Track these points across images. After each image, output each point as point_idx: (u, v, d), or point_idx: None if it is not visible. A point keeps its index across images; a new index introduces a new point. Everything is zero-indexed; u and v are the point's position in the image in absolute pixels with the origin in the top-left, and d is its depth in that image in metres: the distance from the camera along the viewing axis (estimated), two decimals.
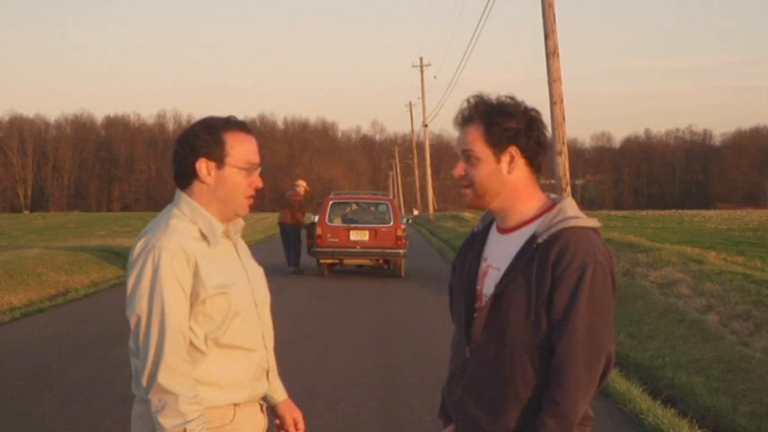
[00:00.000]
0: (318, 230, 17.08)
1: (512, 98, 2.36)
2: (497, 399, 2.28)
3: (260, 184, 2.52)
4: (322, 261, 17.55)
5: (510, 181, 2.34)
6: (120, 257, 19.07)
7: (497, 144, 2.32)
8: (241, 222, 2.58)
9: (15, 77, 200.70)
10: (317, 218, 17.80)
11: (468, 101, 2.38)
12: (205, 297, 2.38)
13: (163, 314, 2.33)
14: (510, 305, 2.27)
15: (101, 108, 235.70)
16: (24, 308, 12.11)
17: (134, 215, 64.05)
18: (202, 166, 2.45)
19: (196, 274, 2.38)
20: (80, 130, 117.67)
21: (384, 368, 8.23)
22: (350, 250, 17.24)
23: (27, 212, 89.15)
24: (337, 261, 17.75)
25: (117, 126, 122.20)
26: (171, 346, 2.32)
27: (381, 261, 17.70)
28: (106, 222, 50.26)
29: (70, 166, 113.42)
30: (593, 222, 2.31)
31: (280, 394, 2.72)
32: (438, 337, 9.72)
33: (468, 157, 2.36)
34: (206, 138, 2.45)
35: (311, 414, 5.99)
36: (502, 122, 2.31)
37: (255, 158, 2.51)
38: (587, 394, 2.22)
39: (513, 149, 2.33)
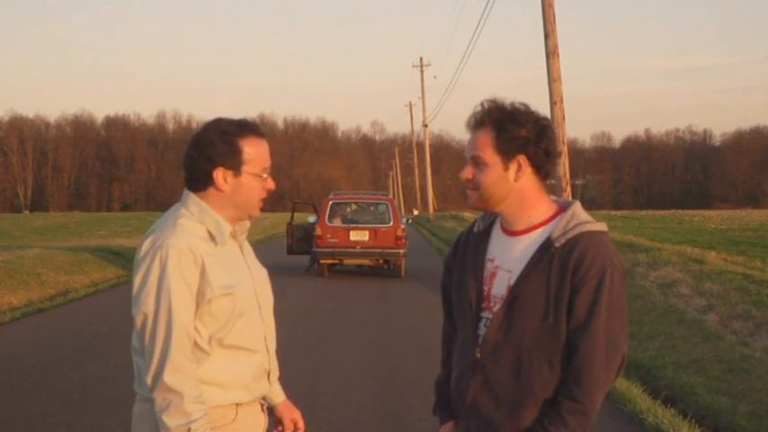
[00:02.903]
0: (318, 231, 17.08)
1: (525, 105, 2.37)
2: (516, 400, 2.31)
3: (272, 186, 2.52)
4: (322, 261, 17.54)
5: (516, 188, 2.36)
6: (120, 257, 19.08)
7: (506, 152, 2.33)
8: (247, 224, 2.58)
9: (15, 77, 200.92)
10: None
11: (481, 105, 2.38)
12: (211, 297, 2.38)
13: (170, 313, 2.32)
14: (526, 308, 2.29)
15: (101, 108, 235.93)
16: (24, 308, 12.12)
17: (134, 215, 64.04)
18: (219, 175, 2.43)
19: (203, 274, 2.37)
20: (80, 130, 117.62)
21: (384, 368, 8.23)
22: (350, 250, 17.24)
23: (27, 212, 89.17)
24: (337, 261, 17.75)
25: (117, 126, 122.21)
26: (177, 345, 2.32)
27: (381, 261, 17.70)
28: (106, 222, 50.32)
29: (70, 166, 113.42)
30: (603, 226, 2.36)
31: (278, 396, 2.73)
32: (438, 337, 9.71)
33: (477, 161, 2.37)
34: (222, 147, 2.42)
35: (311, 414, 5.98)
36: (512, 130, 2.32)
37: (269, 162, 2.50)
38: (604, 392, 2.29)
39: (522, 158, 2.34)
